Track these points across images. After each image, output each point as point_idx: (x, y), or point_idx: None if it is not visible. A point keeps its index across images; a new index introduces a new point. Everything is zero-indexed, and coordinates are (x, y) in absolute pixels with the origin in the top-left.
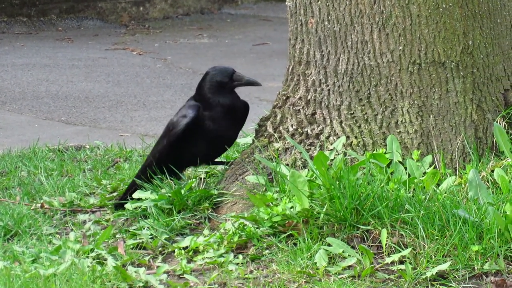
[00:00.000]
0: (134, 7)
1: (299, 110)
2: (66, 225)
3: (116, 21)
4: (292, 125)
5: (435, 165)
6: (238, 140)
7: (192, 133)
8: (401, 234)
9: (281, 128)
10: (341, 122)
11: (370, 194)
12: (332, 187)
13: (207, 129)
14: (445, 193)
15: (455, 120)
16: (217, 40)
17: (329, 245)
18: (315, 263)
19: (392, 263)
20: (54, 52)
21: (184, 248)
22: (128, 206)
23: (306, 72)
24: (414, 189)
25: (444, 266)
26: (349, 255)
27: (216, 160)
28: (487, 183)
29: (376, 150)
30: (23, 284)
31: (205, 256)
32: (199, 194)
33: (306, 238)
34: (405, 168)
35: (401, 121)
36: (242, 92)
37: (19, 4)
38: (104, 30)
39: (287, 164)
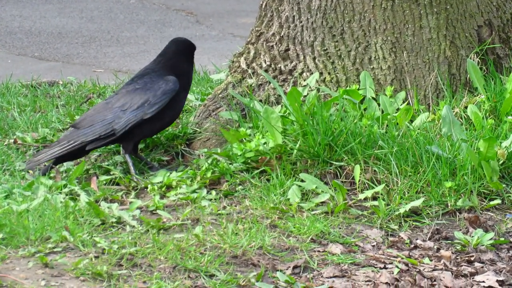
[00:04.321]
0: None
1: (272, 46)
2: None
3: None
4: (265, 61)
5: (409, 101)
6: (211, 76)
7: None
8: (374, 170)
9: (254, 64)
10: (314, 58)
11: (343, 130)
12: (305, 123)
13: (179, 99)
14: (419, 129)
15: (428, 56)
16: None
17: (302, 181)
18: (288, 199)
19: (365, 199)
20: None
21: (157, 184)
22: None
23: (279, 8)
24: (387, 125)
25: (417, 203)
26: (322, 191)
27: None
28: (461, 120)
29: (350, 86)
30: None
31: (178, 192)
32: (172, 132)
33: (279, 174)
34: (378, 104)
35: (375, 57)
36: (216, 28)
37: None
38: None
39: (261, 100)
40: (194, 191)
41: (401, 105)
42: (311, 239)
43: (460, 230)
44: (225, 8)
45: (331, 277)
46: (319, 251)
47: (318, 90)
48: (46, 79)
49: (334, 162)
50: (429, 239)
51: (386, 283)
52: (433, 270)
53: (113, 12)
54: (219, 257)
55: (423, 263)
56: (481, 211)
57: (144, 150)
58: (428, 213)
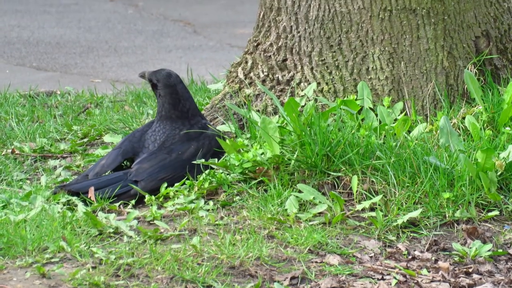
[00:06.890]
0: None
1: (270, 56)
2: (37, 170)
3: None
4: (263, 71)
5: (406, 111)
6: (209, 86)
7: None
8: (372, 181)
9: (252, 74)
10: (312, 69)
11: (341, 140)
12: (303, 133)
13: None
14: (416, 140)
15: (426, 66)
16: None
17: (299, 191)
18: (286, 209)
19: (363, 210)
20: None
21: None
22: (99, 151)
23: (277, 18)
24: (385, 136)
25: (415, 214)
26: (319, 202)
27: None
28: (458, 130)
29: (347, 97)
30: None
31: (175, 202)
32: None
33: (276, 185)
34: (376, 115)
35: (372, 67)
36: (213, 38)
37: None
38: None
39: (258, 110)
40: (191, 202)
41: (398, 115)
42: (309, 250)
43: (458, 241)
44: (223, 18)
45: None
46: (316, 262)
47: (315, 100)
48: (44, 89)
49: (332, 173)
50: (427, 250)
51: None
52: (431, 281)
53: (111, 22)
54: (217, 268)
55: (421, 274)
56: (479, 222)
57: None
58: (426, 224)
